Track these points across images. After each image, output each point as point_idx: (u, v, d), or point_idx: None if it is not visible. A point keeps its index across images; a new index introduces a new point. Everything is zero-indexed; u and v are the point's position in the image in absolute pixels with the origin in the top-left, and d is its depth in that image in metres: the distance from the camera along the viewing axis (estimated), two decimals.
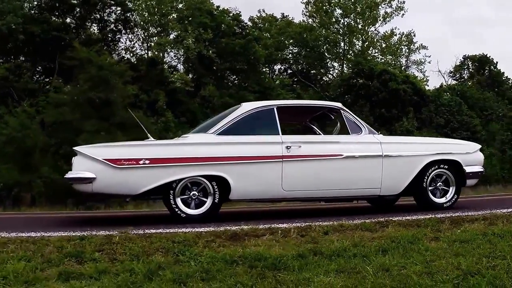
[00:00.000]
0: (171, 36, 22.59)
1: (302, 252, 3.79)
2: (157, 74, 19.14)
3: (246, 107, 5.57)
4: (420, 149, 5.71)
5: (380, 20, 29.92)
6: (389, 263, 3.55)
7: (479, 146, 6.10)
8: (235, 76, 25.07)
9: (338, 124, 6.11)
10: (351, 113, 5.83)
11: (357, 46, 30.19)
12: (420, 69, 32.14)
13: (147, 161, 5.04)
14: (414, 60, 32.60)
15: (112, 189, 5.13)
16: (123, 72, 15.57)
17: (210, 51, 21.22)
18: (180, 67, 22.58)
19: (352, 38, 29.42)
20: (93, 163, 5.02)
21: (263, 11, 29.60)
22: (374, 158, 5.50)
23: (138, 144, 5.47)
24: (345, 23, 29.16)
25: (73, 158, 5.21)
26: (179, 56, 22.73)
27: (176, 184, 5.13)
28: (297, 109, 6.07)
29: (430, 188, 5.64)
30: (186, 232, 4.35)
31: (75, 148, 5.21)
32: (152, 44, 23.19)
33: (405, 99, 25.03)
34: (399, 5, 30.38)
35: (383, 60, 30.28)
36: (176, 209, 5.13)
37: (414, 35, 31.70)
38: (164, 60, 22.36)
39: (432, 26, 55.12)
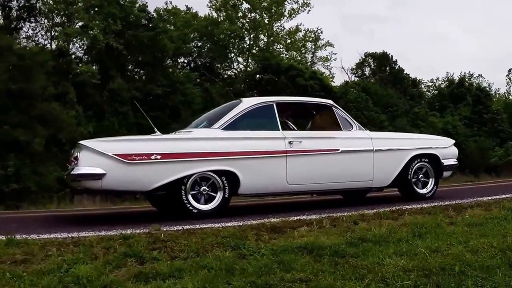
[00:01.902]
0: (77, 26, 21.11)
1: (351, 240, 3.93)
2: (64, 65, 17.82)
3: (247, 103, 5.59)
4: (405, 144, 6.18)
5: (286, 15, 30.71)
6: (433, 245, 3.82)
7: (453, 141, 6.76)
8: (140, 70, 24.18)
9: (310, 121, 6.41)
10: (341, 109, 6.11)
11: (263, 42, 30.80)
12: (326, 66, 33.72)
13: (158, 156, 4.83)
14: (320, 56, 33.94)
15: (122, 186, 4.83)
16: (45, 62, 14.24)
17: (118, 43, 20.26)
18: (87, 58, 21.17)
19: (258, 33, 29.96)
20: (102, 158, 4.68)
21: (170, 2, 29.17)
22: (366, 153, 5.84)
23: (149, 138, 5.19)
24: (251, 18, 29.65)
25: (77, 153, 4.77)
26: (85, 47, 21.34)
27: (187, 180, 4.98)
28: (292, 105, 6.21)
29: (413, 180, 6.14)
30: (228, 227, 4.28)
31: (81, 142, 4.81)
32: (57, 33, 21.45)
33: (313, 95, 26.01)
34: (305, 1, 31.11)
35: (287, 56, 31.15)
36: (188, 205, 4.98)
37: (321, 32, 33.08)
38: (70, 51, 20.80)
39: (328, 21, 58.22)
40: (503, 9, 60.98)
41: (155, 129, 5.60)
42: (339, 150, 5.68)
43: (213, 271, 3.21)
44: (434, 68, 60.82)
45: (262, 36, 30.87)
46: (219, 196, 5.12)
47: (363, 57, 36.80)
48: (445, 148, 6.46)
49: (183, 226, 4.38)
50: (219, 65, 31.11)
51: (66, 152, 17.08)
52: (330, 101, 6.24)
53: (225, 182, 5.11)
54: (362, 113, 25.61)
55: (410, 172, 6.10)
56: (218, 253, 3.54)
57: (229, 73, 31.57)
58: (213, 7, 29.59)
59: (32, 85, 13.52)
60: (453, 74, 37.72)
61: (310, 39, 33.36)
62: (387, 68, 35.69)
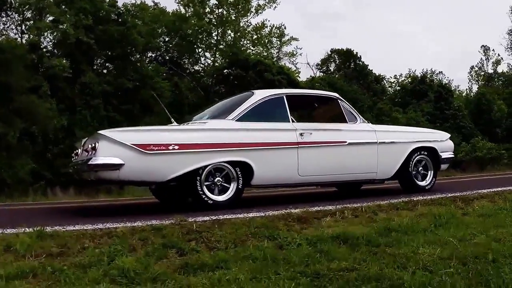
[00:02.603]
0: (47, 20, 20.35)
1: (378, 230, 3.98)
2: (36, 59, 17.17)
3: (259, 95, 5.56)
4: (407, 137, 6.30)
5: (252, 11, 30.68)
6: (457, 235, 3.91)
7: (449, 135, 6.94)
8: (110, 64, 23.60)
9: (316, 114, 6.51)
10: (346, 102, 6.17)
11: (230, 37, 30.67)
12: (292, 61, 33.96)
13: (176, 147, 4.74)
14: (286, 52, 34.16)
15: (139, 176, 4.71)
16: (23, 55, 13.64)
17: (89, 38, 19.71)
18: (57, 52, 20.44)
19: (225, 29, 29.80)
20: (120, 148, 4.55)
21: None
22: (371, 145, 5.93)
23: (167, 128, 5.08)
24: (219, 13, 29.41)
25: (93, 143, 4.60)
26: (55, 41, 20.58)
27: (202, 170, 4.91)
28: (301, 97, 6.20)
29: (413, 172, 6.27)
30: (255, 217, 4.25)
31: (100, 132, 4.64)
32: (28, 28, 20.63)
33: None
34: None
35: (254, 52, 31.17)
36: (203, 196, 4.91)
37: (285, 28, 33.24)
38: (41, 45, 20.02)
39: (290, 19, 58.27)
40: (461, 7, 63.00)
41: (172, 120, 5.48)
42: (346, 142, 5.74)
43: (258, 261, 3.19)
44: (393, 65, 62.35)
45: (229, 32, 30.73)
46: (233, 187, 5.08)
47: (329, 53, 37.30)
48: (442, 141, 6.64)
49: (210, 217, 4.32)
50: (186, 60, 30.80)
51: (38, 144, 16.62)
52: (336, 94, 6.31)
53: (239, 173, 5.07)
54: None
55: (410, 165, 6.23)
56: (257, 244, 3.51)
57: (196, 68, 31.31)
58: (181, 2, 29.31)
59: (11, 78, 12.96)
60: (415, 71, 38.84)
61: (276, 35, 33.52)
62: (352, 65, 36.28)
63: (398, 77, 38.98)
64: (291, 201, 5.82)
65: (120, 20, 22.31)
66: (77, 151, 5.51)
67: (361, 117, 6.14)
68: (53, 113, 15.67)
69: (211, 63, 30.58)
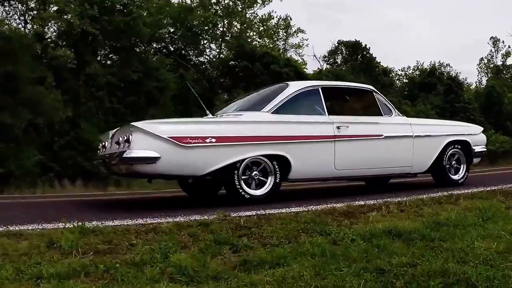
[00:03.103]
0: (51, 10, 20.04)
1: (427, 224, 3.85)
2: (39, 49, 16.91)
3: (295, 87, 5.39)
4: (441, 130, 6.18)
5: (258, 3, 30.12)
6: (507, 228, 3.77)
7: (482, 128, 6.81)
8: (115, 55, 23.30)
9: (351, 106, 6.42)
10: (382, 95, 6.02)
11: (236, 28, 30.36)
12: (299, 53, 33.58)
13: (213, 139, 4.56)
14: (292, 43, 33.82)
15: (176, 170, 4.54)
16: (31, 45, 13.40)
17: (94, 28, 19.41)
18: (61, 43, 20.13)
19: (231, 20, 29.47)
20: (156, 141, 4.37)
21: None
22: (406, 138, 5.80)
23: (204, 120, 4.89)
24: (225, 4, 29.04)
25: (127, 135, 4.42)
26: (59, 32, 20.26)
27: (240, 164, 4.74)
28: (335, 90, 6.04)
29: (447, 166, 6.14)
30: (300, 213, 4.11)
31: (134, 123, 4.47)
32: (30, 18, 20.31)
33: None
34: None
35: (260, 43, 30.81)
36: (241, 190, 4.75)
37: (291, 19, 32.83)
38: (45, 35, 19.70)
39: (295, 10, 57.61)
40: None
41: (207, 111, 5.29)
42: (382, 135, 5.60)
43: (316, 257, 3.06)
44: (399, 57, 62.02)
45: (235, 23, 30.41)
46: (270, 181, 4.92)
47: (336, 44, 36.89)
48: (475, 134, 6.52)
49: (254, 212, 4.17)
50: (191, 52, 30.48)
51: (44, 136, 16.41)
52: (371, 87, 6.16)
53: (277, 166, 4.91)
54: None
55: (444, 158, 6.11)
56: (310, 239, 3.38)
57: (201, 59, 30.98)
58: None
59: (18, 68, 12.74)
60: (423, 63, 38.52)
61: (282, 26, 33.18)
62: (359, 57, 35.91)
63: (405, 69, 38.69)
64: (322, 195, 5.71)
65: (125, 10, 21.96)
66: (103, 143, 5.33)
67: (396, 110, 6.00)
68: (59, 104, 15.44)
69: (217, 55, 30.26)
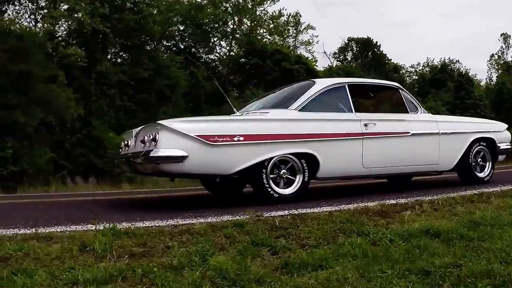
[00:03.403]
0: (62, 9, 20.03)
1: (463, 223, 3.74)
2: (52, 48, 16.90)
3: (321, 84, 5.26)
4: (467, 128, 6.06)
5: (268, 0, 30.26)
6: None
7: (506, 126, 6.67)
8: (125, 53, 23.29)
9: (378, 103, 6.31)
10: (407, 92, 5.90)
11: (246, 26, 30.29)
12: (309, 50, 33.45)
13: (241, 138, 4.45)
14: (302, 40, 33.72)
15: (203, 169, 4.43)
16: (44, 44, 13.36)
17: (105, 27, 19.39)
18: (72, 41, 20.10)
19: (242, 17, 29.37)
20: (184, 139, 4.26)
21: None
22: (433, 136, 5.69)
23: (231, 119, 4.78)
24: (235, 1, 28.95)
25: (153, 133, 4.32)
26: (70, 30, 20.23)
27: (268, 163, 4.63)
28: (362, 87, 5.90)
29: (473, 163, 6.03)
30: (333, 212, 4.00)
31: (161, 122, 4.36)
32: (41, 16, 20.33)
33: (298, 79, 25.69)
34: None
35: (270, 41, 30.70)
36: (269, 189, 4.64)
37: (301, 16, 32.82)
38: (56, 34, 19.68)
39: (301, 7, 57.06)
40: None
41: (234, 109, 5.18)
42: (409, 133, 5.49)
43: (358, 259, 2.97)
44: (407, 54, 61.53)
45: (245, 20, 30.31)
46: (298, 180, 4.80)
47: (346, 41, 36.73)
48: (500, 132, 6.40)
49: (286, 212, 4.08)
50: (201, 49, 30.44)
51: (56, 134, 16.41)
52: (397, 84, 6.04)
53: (305, 165, 4.80)
54: None
55: (470, 156, 5.99)
56: (349, 240, 3.27)
57: (211, 57, 30.93)
58: None
59: (31, 66, 12.70)
60: (433, 60, 38.21)
61: (292, 23, 33.04)
62: (369, 54, 35.69)
63: (415, 66, 38.39)
64: (346, 194, 5.64)
65: (135, 8, 21.94)
66: (126, 142, 5.24)
67: (421, 107, 5.87)
68: (71, 102, 15.40)
69: (227, 52, 30.16)
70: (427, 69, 37.05)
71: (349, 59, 37.25)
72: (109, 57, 21.96)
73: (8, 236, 3.12)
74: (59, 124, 15.50)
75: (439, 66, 34.34)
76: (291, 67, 25.87)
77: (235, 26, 29.49)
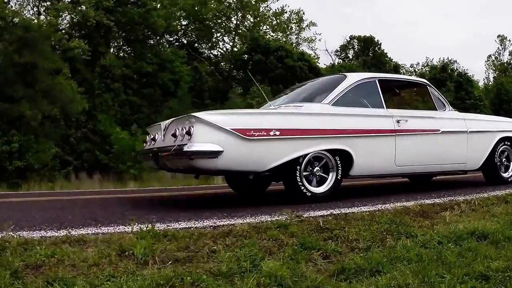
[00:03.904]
0: (66, 1, 19.73)
1: (505, 225, 3.61)
2: (55, 40, 16.62)
3: (353, 78, 5.07)
4: (493, 126, 5.92)
5: None
6: None
7: None
8: (129, 47, 23.03)
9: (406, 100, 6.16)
10: (436, 89, 5.74)
11: (249, 22, 30.01)
12: (311, 47, 33.21)
13: (277, 132, 4.25)
14: (305, 37, 33.47)
15: (238, 165, 4.21)
16: (51, 35, 13.08)
17: (109, 20, 19.12)
18: (75, 34, 19.82)
19: (245, 13, 29.10)
20: (219, 133, 4.05)
21: None
22: (461, 134, 5.55)
23: (267, 112, 4.56)
24: None
25: (186, 126, 4.12)
26: (73, 23, 19.93)
27: (302, 159, 4.45)
28: (391, 82, 5.71)
29: (498, 163, 5.89)
30: (374, 212, 3.85)
31: (196, 114, 4.12)
32: (44, 9, 20.04)
33: (302, 76, 25.57)
34: None
35: (274, 37, 30.48)
36: (302, 188, 4.45)
37: (304, 13, 32.61)
38: (60, 27, 19.40)
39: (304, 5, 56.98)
40: None
41: (268, 101, 4.95)
42: (439, 130, 5.33)
43: (413, 263, 2.82)
44: (406, 53, 61.18)
45: (248, 16, 30.02)
46: (331, 178, 4.63)
47: (348, 39, 36.55)
48: None
49: (326, 212, 3.92)
50: (204, 45, 30.19)
51: (60, 128, 16.16)
52: (425, 80, 5.89)
53: (339, 162, 4.62)
54: None
55: (496, 155, 5.86)
56: (399, 242, 3.12)
57: (214, 52, 30.67)
58: None
59: (37, 58, 12.41)
60: (432, 60, 38.12)
61: (294, 20, 32.83)
62: (370, 52, 35.53)
63: (414, 65, 38.25)
64: (373, 193, 5.49)
65: (139, 2, 21.66)
66: (153, 136, 5.05)
67: (449, 104, 5.70)
68: (77, 96, 15.15)
69: (230, 48, 29.90)
70: (427, 69, 36.91)
71: (351, 57, 37.07)
72: (112, 50, 21.65)
73: (36, 240, 2.90)
74: (64, 118, 15.25)
75: (440, 66, 34.16)
76: (294, 64, 25.65)
77: (238, 22, 29.19)
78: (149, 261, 2.67)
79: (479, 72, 53.09)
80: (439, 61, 36.95)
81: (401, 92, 5.97)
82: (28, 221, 3.71)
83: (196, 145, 3.99)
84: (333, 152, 4.59)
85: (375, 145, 4.83)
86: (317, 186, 4.58)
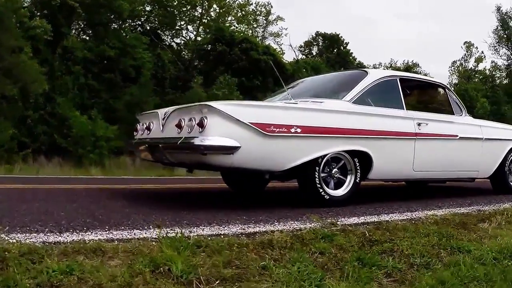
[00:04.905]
0: None
1: None
2: (17, 18, 15.30)
3: (374, 75, 4.69)
4: (506, 135, 5.76)
5: None
6: None
7: None
8: (91, 30, 21.78)
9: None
10: (453, 92, 5.49)
11: (214, 12, 29.24)
12: (277, 42, 32.75)
13: (298, 129, 3.82)
14: (271, 32, 32.99)
15: (254, 164, 3.73)
16: (16, 11, 11.88)
17: (73, 1, 17.93)
18: (38, 13, 18.42)
19: (211, 3, 28.29)
20: (237, 127, 3.55)
21: None
22: (477, 141, 5.34)
23: (288, 106, 4.04)
24: None
25: (197, 116, 3.61)
26: (36, 1, 18.48)
27: (321, 160, 4.05)
28: (411, 82, 5.35)
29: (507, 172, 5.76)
30: (410, 221, 3.53)
31: (210, 103, 3.58)
32: None
33: (266, 70, 25.18)
34: None
35: (238, 29, 29.84)
36: (321, 190, 4.05)
37: (272, 7, 32.15)
38: (22, 5, 17.94)
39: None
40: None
41: (288, 95, 4.46)
42: (457, 136, 5.08)
43: (484, 282, 2.57)
44: (371, 53, 62.07)
45: (214, 6, 29.25)
46: (349, 180, 4.26)
47: (313, 35, 36.47)
48: None
49: (359, 218, 3.58)
50: (167, 32, 29.21)
51: (18, 109, 14.98)
52: (443, 82, 5.61)
53: (358, 164, 4.27)
54: None
55: (506, 164, 5.71)
56: (457, 258, 2.83)
57: (177, 41, 29.74)
58: None
59: (2, 34, 11.28)
60: (396, 62, 38.78)
61: (262, 13, 32.39)
62: (335, 50, 35.61)
63: (377, 66, 38.70)
64: (376, 196, 5.17)
65: None
66: (147, 124, 4.50)
67: (465, 109, 5.47)
68: (40, 76, 14.05)
69: (193, 37, 29.08)
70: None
71: (314, 53, 37.04)
72: (73, 32, 20.42)
73: (41, 248, 2.33)
74: (22, 99, 14.12)
75: (403, 69, 34.68)
76: (259, 58, 25.16)
77: (203, 11, 28.37)
78: (193, 281, 2.21)
79: (443, 77, 54.77)
80: (403, 64, 37.62)
81: (420, 93, 5.71)
82: (15, 218, 3.09)
83: (210, 139, 3.47)
84: (352, 153, 4.22)
85: (395, 148, 4.50)
86: (334, 189, 4.20)
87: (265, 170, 3.87)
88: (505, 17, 35.17)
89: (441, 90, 5.52)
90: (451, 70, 41.69)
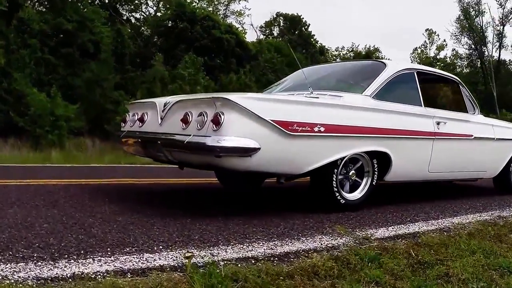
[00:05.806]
0: None
1: None
2: None
3: (393, 68, 4.28)
4: None
5: None
6: None
7: None
8: (48, 2, 20.36)
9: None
10: (467, 89, 5.21)
11: None
12: (239, 21, 32.00)
13: (322, 128, 3.40)
14: (233, 10, 32.21)
15: (272, 167, 3.29)
16: None
17: None
18: None
19: None
20: (258, 125, 3.08)
21: None
22: (490, 141, 5.15)
23: (311, 101, 3.57)
24: None
25: (211, 112, 3.11)
26: None
27: (340, 161, 3.67)
28: (427, 76, 4.94)
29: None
30: (432, 232, 3.21)
31: (227, 96, 3.06)
32: None
33: (228, 50, 24.48)
34: None
35: (198, 6, 28.88)
36: (337, 194, 3.69)
37: None
38: None
39: None
40: None
41: (309, 88, 3.98)
42: (472, 136, 4.85)
43: None
44: (331, 36, 62.07)
45: None
46: (365, 183, 3.93)
47: (274, 16, 35.93)
48: None
49: (387, 229, 3.26)
50: (126, 6, 27.93)
51: None
52: (457, 78, 5.28)
53: (376, 165, 3.93)
54: (278, 75, 24.37)
55: (511, 164, 5.59)
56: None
57: (136, 15, 28.50)
58: None
59: None
60: (358, 46, 38.91)
61: None
62: (296, 32, 35.23)
63: (340, 49, 38.71)
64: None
65: None
66: (139, 115, 3.97)
67: (478, 107, 5.24)
68: None
69: (153, 13, 27.92)
70: (351, 54, 37.53)
71: (276, 34, 36.57)
72: (29, 3, 19.03)
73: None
74: None
75: (364, 53, 34.79)
76: (221, 36, 24.46)
77: None
78: None
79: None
80: (364, 48, 37.76)
81: (435, 89, 5.43)
82: None
83: (228, 140, 2.98)
84: (372, 154, 3.87)
85: (414, 149, 4.21)
86: (349, 192, 3.86)
87: (282, 173, 3.45)
88: (467, 6, 35.80)
89: (455, 85, 5.23)
90: (413, 57, 42.29)
